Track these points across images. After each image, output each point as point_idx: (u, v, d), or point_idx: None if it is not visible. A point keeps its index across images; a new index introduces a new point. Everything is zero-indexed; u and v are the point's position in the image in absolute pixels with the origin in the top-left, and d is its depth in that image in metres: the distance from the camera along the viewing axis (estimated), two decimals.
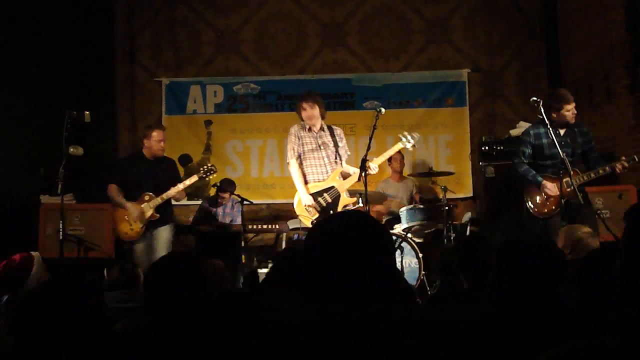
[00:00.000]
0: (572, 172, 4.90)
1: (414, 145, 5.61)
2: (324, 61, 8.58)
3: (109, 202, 7.18)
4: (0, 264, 3.75)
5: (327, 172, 5.61)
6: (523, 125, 7.16)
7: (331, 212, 5.48)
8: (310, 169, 5.63)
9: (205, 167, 5.83)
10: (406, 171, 7.74)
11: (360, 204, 5.59)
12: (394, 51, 8.55)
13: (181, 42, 8.52)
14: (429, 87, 8.41)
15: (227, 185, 7.02)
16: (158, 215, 5.67)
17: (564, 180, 5.02)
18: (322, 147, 5.66)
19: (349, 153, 5.86)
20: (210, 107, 8.47)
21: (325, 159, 5.65)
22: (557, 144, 4.90)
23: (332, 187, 5.54)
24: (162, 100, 8.42)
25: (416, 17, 8.57)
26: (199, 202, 7.82)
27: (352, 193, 6.63)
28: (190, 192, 8.19)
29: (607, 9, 6.98)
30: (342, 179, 5.63)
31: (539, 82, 8.31)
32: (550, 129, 4.95)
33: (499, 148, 7.12)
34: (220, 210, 7.18)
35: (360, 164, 5.39)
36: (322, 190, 5.55)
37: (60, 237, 5.11)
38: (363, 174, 5.37)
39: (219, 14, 8.57)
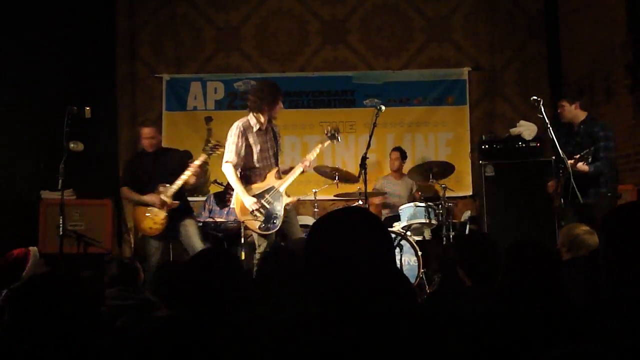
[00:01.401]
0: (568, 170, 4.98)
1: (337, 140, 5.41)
2: (325, 58, 8.57)
3: (109, 198, 7.23)
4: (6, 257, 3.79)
5: (263, 170, 5.33)
6: (523, 124, 7.19)
7: (275, 214, 5.20)
8: (260, 168, 5.31)
9: (210, 144, 5.65)
10: (406, 169, 7.74)
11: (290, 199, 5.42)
12: (394, 49, 8.55)
13: (182, 39, 8.51)
14: (429, 85, 8.40)
15: None
16: (178, 202, 5.59)
17: (549, 180, 5.40)
18: (269, 147, 5.35)
19: (282, 151, 5.66)
20: (211, 103, 8.47)
21: (272, 159, 5.38)
22: (557, 142, 4.98)
23: (272, 187, 5.26)
24: (162, 96, 8.41)
25: (417, 15, 8.57)
26: (200, 198, 7.81)
27: (352, 191, 6.64)
28: (190, 189, 8.20)
29: (608, 9, 6.99)
30: (278, 178, 5.35)
31: (540, 81, 8.31)
32: (550, 127, 5.00)
33: (498, 147, 7.14)
34: (225, 209, 7.14)
35: (360, 162, 5.41)
36: (263, 191, 5.25)
37: (60, 233, 5.11)
38: (363, 172, 5.39)
39: (219, 10, 8.57)
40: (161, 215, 5.55)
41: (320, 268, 1.58)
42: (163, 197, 5.52)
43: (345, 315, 1.52)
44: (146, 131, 5.81)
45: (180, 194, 5.65)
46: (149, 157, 5.80)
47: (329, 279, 1.56)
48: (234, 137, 5.21)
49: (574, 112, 5.54)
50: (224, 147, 5.37)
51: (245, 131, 5.23)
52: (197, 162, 5.54)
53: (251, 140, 5.23)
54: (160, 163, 5.76)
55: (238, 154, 5.20)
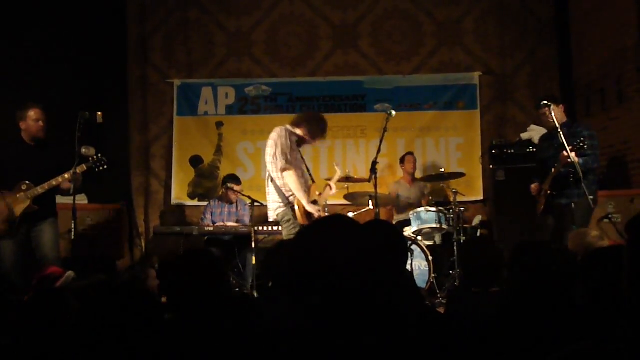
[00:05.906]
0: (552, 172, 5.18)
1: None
2: (336, 63, 8.58)
3: (121, 203, 7.27)
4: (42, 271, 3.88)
5: (306, 185, 5.26)
6: (534, 129, 7.16)
7: None
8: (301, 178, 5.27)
9: (95, 156, 5.17)
10: (417, 174, 7.74)
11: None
12: (405, 54, 8.55)
13: (193, 44, 8.55)
14: (440, 89, 8.39)
15: (234, 180, 7.05)
16: (37, 207, 5.07)
17: (537, 184, 5.52)
18: (303, 160, 5.37)
19: None
20: (222, 108, 8.50)
21: (305, 173, 5.35)
22: (566, 144, 4.97)
23: (315, 201, 5.28)
24: (173, 101, 8.45)
25: (428, 19, 8.56)
26: (203, 203, 7.87)
27: (362, 195, 6.64)
28: (202, 193, 8.26)
29: (619, 12, 6.95)
30: (318, 195, 5.44)
31: (551, 85, 8.28)
32: (560, 131, 4.97)
33: (509, 151, 7.12)
34: (226, 209, 7.18)
35: (370, 167, 5.41)
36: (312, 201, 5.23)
37: (72, 237, 5.14)
38: (373, 177, 5.40)
39: (231, 15, 8.60)
40: (8, 218, 5.02)
41: (304, 277, 1.57)
42: (21, 196, 5.02)
43: (330, 324, 1.51)
44: (39, 112, 5.19)
45: (45, 197, 5.15)
46: (25, 147, 5.20)
47: (312, 289, 1.55)
48: (281, 139, 5.07)
49: (561, 114, 5.34)
50: (108, 162, 5.17)
51: (290, 137, 5.16)
52: (72, 171, 5.02)
53: (292, 147, 5.18)
54: (36, 159, 5.19)
55: (286, 157, 5.06)
